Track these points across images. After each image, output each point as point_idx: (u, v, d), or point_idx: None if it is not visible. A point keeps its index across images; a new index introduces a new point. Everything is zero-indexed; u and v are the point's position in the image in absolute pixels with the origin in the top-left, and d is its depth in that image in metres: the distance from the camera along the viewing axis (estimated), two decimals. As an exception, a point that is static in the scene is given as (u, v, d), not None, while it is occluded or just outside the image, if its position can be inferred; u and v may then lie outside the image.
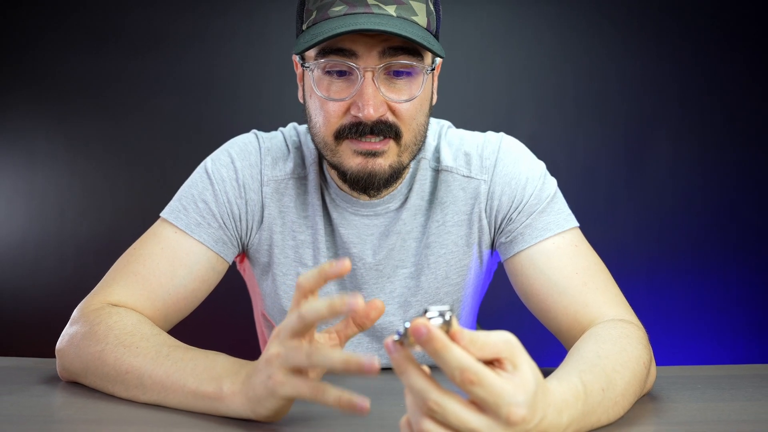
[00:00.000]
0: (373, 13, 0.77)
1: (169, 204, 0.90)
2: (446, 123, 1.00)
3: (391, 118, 0.81)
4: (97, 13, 2.54)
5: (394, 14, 0.77)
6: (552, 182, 0.93)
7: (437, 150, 0.95)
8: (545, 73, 2.55)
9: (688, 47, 2.53)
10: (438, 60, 0.87)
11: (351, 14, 0.77)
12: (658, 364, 0.81)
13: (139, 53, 2.54)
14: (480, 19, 2.55)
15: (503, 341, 0.48)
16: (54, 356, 0.81)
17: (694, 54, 2.53)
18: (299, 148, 0.95)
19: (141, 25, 2.54)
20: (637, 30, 2.54)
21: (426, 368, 0.48)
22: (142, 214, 2.31)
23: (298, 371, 0.56)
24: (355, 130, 0.80)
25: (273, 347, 0.57)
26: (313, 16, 0.80)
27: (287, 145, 0.95)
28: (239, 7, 2.55)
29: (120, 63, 2.54)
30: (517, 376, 0.47)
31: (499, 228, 0.92)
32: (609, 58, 2.54)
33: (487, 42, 2.56)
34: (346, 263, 0.54)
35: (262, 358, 0.59)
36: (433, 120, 0.99)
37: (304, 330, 0.56)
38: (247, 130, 0.98)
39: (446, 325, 0.46)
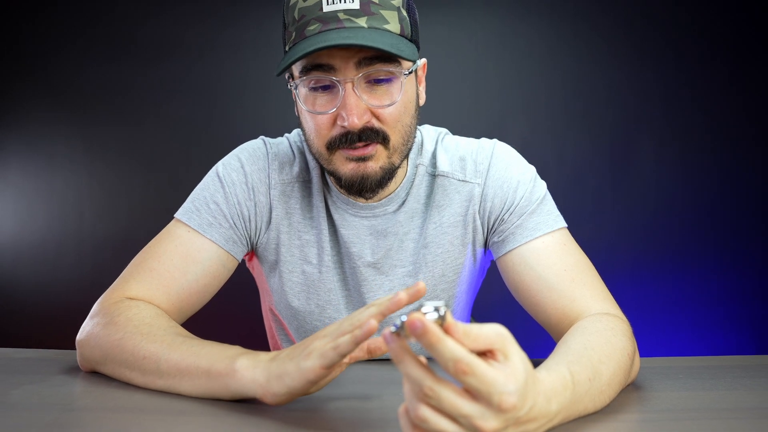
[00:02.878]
0: (345, 28, 0.76)
1: (182, 205, 0.90)
2: (444, 130, 1.00)
3: (376, 123, 0.81)
4: (113, 25, 2.55)
5: (365, 26, 0.77)
6: (542, 185, 0.93)
7: (434, 156, 0.95)
8: (536, 82, 2.55)
9: (670, 57, 2.54)
10: (420, 61, 0.86)
11: (324, 31, 0.77)
12: (641, 355, 0.81)
13: (152, 63, 2.55)
14: (474, 31, 2.56)
15: (495, 333, 0.48)
16: (74, 348, 0.81)
17: (675, 63, 2.54)
18: (303, 154, 0.95)
19: (154, 36, 2.55)
20: (622, 41, 2.55)
21: (422, 358, 0.48)
22: (156, 215, 2.31)
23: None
24: (345, 140, 0.80)
25: (316, 342, 0.61)
26: (292, 38, 0.80)
27: (293, 151, 0.95)
28: (248, 19, 2.55)
29: (135, 72, 2.54)
30: (508, 367, 0.48)
31: (492, 228, 0.92)
32: (596, 68, 2.55)
33: (481, 52, 2.56)
34: (372, 324, 0.55)
35: (299, 345, 0.62)
36: (431, 127, 1.00)
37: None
38: (255, 136, 0.98)
39: (441, 320, 0.46)
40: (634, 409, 0.67)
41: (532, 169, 0.94)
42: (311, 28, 0.78)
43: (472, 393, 0.47)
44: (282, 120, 2.46)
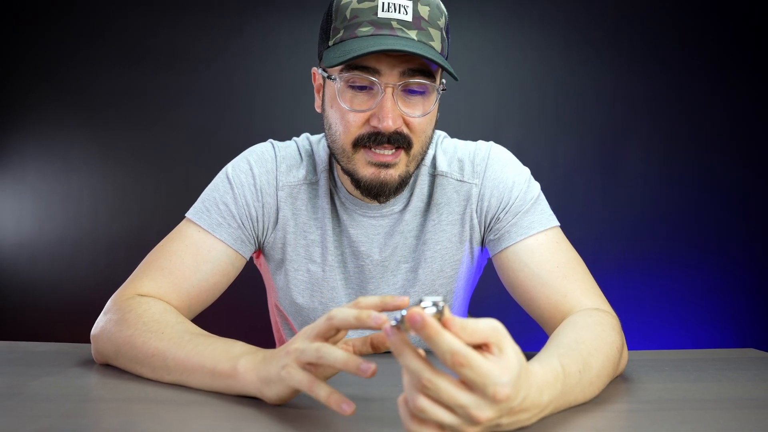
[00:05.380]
0: (397, 36, 0.77)
1: (193, 206, 0.90)
2: (442, 133, 1.00)
3: (405, 130, 0.81)
4: (126, 34, 2.55)
5: (416, 38, 0.77)
6: (536, 186, 0.93)
7: (434, 157, 0.95)
8: (529, 88, 2.55)
9: (657, 66, 2.54)
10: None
11: (377, 35, 0.77)
12: (629, 348, 0.81)
13: (164, 70, 2.55)
14: (470, 40, 2.56)
15: (490, 328, 0.48)
16: (89, 341, 0.81)
17: (662, 71, 2.54)
18: (311, 156, 0.95)
19: (166, 45, 2.55)
20: (611, 50, 2.55)
21: (421, 351, 0.48)
22: (168, 215, 2.31)
23: (309, 366, 0.57)
24: (373, 139, 0.80)
25: (296, 342, 0.58)
26: (340, 34, 0.79)
27: (300, 154, 0.95)
28: (255, 28, 2.55)
29: (147, 78, 2.54)
30: (502, 359, 0.47)
31: (488, 227, 0.92)
32: (586, 75, 2.55)
33: (477, 60, 2.56)
34: (381, 319, 0.53)
35: (284, 348, 0.60)
36: (430, 130, 1.00)
37: (329, 332, 0.57)
38: (263, 139, 0.98)
39: (439, 314, 0.46)
40: (622, 400, 0.67)
41: (527, 170, 0.94)
42: (364, 29, 0.77)
43: (468, 384, 0.47)
44: (289, 124, 2.47)
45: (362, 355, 0.64)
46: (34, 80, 2.55)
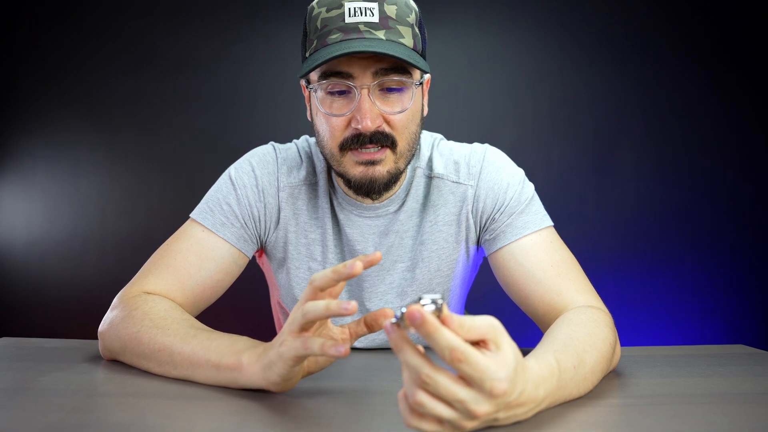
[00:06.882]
0: (365, 38, 0.77)
1: (197, 206, 0.90)
2: (438, 136, 1.00)
3: (387, 128, 0.81)
4: (133, 39, 2.55)
5: (384, 38, 0.77)
6: (530, 187, 0.93)
7: (430, 159, 0.95)
8: (525, 92, 2.55)
9: (648, 70, 2.54)
10: (426, 76, 0.87)
11: (346, 40, 0.77)
12: (622, 344, 0.81)
13: (170, 74, 2.55)
14: (468, 45, 2.56)
15: (487, 324, 0.48)
16: (96, 338, 0.81)
17: (654, 76, 2.54)
18: (310, 158, 0.95)
19: (172, 49, 2.55)
20: (604, 54, 2.55)
21: (420, 347, 0.48)
22: (173, 215, 2.30)
23: (303, 333, 0.58)
24: (356, 141, 0.80)
25: (288, 321, 0.60)
26: (313, 45, 0.80)
27: (300, 156, 0.95)
28: (258, 33, 2.55)
29: (153, 83, 2.54)
30: (499, 355, 0.47)
31: (483, 227, 0.92)
32: (580, 79, 2.55)
33: (474, 64, 2.56)
34: (357, 266, 0.54)
35: (280, 332, 0.61)
36: (427, 133, 0.99)
37: (314, 295, 0.58)
38: (265, 142, 0.98)
39: (437, 311, 0.46)
40: (615, 394, 0.67)
41: (521, 171, 0.94)
42: (333, 36, 0.78)
43: (466, 380, 0.47)
44: (290, 127, 2.47)
45: (359, 335, 0.66)
46: (44, 84, 2.55)
